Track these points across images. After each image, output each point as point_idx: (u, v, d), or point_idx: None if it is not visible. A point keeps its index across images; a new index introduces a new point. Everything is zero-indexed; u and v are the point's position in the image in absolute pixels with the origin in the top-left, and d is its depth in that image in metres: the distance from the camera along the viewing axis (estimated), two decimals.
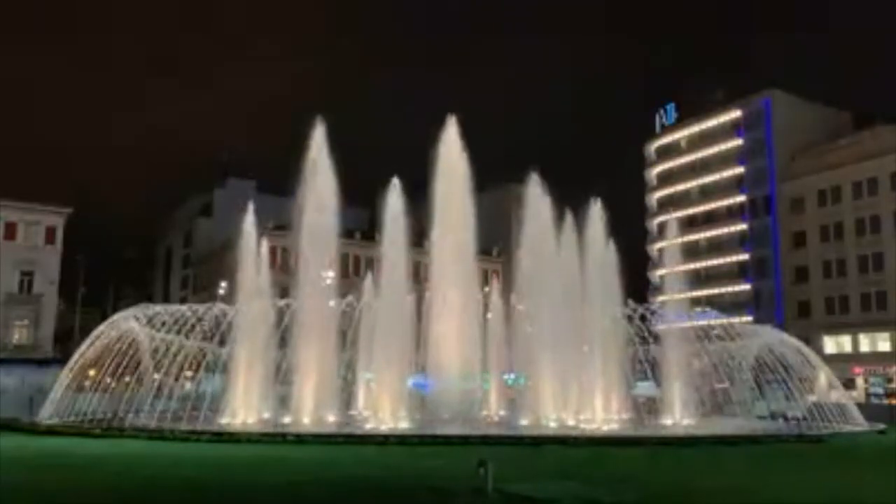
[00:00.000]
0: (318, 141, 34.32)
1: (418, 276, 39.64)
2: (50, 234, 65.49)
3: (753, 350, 37.83)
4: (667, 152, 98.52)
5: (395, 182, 34.62)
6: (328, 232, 34.24)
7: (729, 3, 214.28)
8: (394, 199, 34.14)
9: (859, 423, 36.00)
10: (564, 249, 34.80)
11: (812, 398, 40.04)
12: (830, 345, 74.33)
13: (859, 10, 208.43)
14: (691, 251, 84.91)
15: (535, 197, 35.65)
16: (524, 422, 32.05)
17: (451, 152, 36.80)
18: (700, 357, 39.75)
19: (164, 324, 35.29)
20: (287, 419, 31.05)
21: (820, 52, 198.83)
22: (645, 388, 42.20)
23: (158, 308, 37.85)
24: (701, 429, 32.05)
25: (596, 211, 36.12)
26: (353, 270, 68.11)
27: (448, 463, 19.15)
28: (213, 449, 22.52)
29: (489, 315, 38.77)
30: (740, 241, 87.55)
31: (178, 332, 35.19)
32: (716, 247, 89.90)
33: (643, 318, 37.43)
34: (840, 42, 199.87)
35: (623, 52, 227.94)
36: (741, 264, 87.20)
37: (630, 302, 36.94)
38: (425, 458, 20.80)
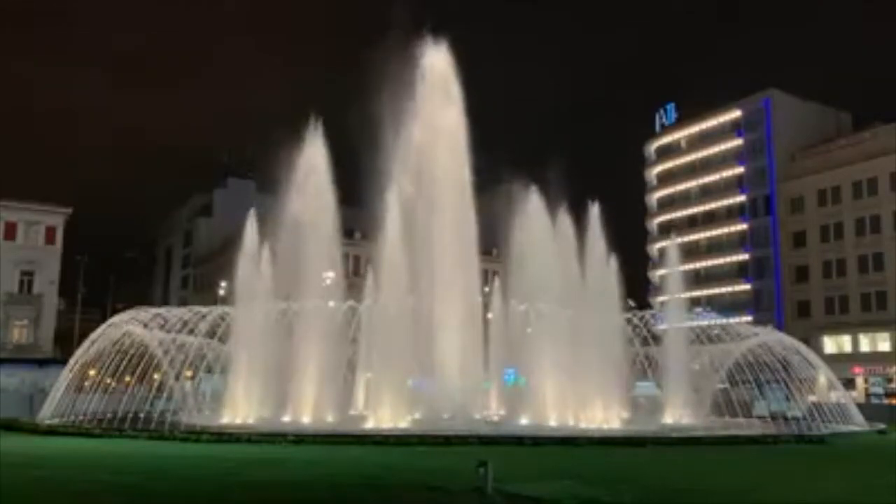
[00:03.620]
0: (317, 139, 34.25)
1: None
2: (50, 234, 65.56)
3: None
4: (667, 152, 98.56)
5: (395, 178, 34.50)
6: (328, 231, 34.14)
7: (728, 3, 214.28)
8: (393, 197, 34.04)
9: (859, 424, 35.96)
10: (564, 249, 34.74)
11: (812, 398, 40.02)
12: (830, 345, 74.35)
13: (856, 7, 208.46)
14: (691, 251, 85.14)
15: (535, 197, 35.59)
16: (524, 422, 32.03)
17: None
18: (699, 357, 39.76)
19: (162, 326, 35.24)
20: (286, 418, 31.04)
21: (819, 51, 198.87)
22: (645, 388, 42.21)
23: (155, 310, 37.78)
24: (701, 429, 32.07)
25: (595, 211, 36.05)
26: (353, 270, 68.04)
27: (448, 463, 19.12)
28: (213, 448, 22.52)
29: (490, 315, 38.73)
30: (740, 241, 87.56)
31: (179, 332, 35.17)
32: (716, 247, 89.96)
33: (643, 320, 37.44)
34: (839, 41, 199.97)
35: (623, 52, 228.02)
36: (741, 264, 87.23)
37: (630, 302, 36.93)
38: (425, 458, 20.79)
